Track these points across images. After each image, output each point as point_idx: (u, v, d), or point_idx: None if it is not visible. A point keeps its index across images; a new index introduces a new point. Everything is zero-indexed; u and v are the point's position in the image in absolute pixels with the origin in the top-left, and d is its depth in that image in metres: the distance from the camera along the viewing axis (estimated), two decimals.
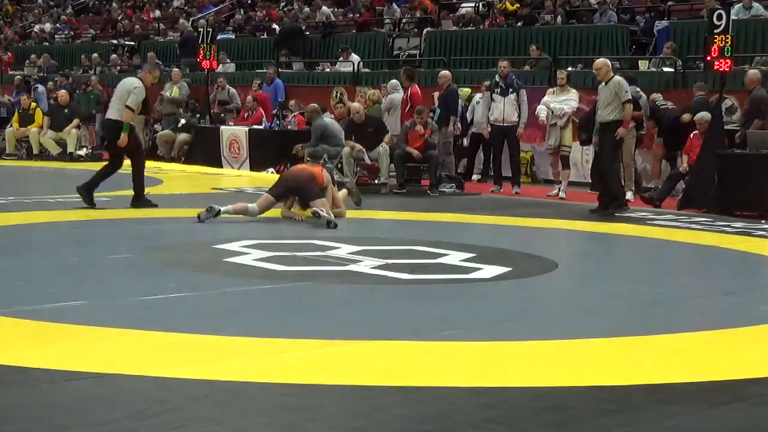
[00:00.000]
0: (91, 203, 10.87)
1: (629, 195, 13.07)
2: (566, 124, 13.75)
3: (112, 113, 11.20)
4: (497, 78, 14.21)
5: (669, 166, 14.11)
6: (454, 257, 8.08)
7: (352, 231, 9.98)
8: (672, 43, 16.31)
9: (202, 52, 18.43)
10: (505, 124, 14.06)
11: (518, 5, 20.07)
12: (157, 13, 29.43)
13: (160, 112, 19.64)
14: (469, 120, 15.93)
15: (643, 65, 16.92)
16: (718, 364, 4.99)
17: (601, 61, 12.02)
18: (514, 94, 13.95)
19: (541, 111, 13.89)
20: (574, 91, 14.13)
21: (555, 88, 14.18)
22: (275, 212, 10.42)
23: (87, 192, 10.90)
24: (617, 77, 11.75)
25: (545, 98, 14.06)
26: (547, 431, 3.88)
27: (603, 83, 11.78)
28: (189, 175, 16.31)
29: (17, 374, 4.38)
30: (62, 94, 19.63)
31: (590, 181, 14.47)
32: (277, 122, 16.90)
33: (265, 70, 20.43)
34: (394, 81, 15.95)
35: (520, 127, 14.03)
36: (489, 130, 14.40)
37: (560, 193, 13.67)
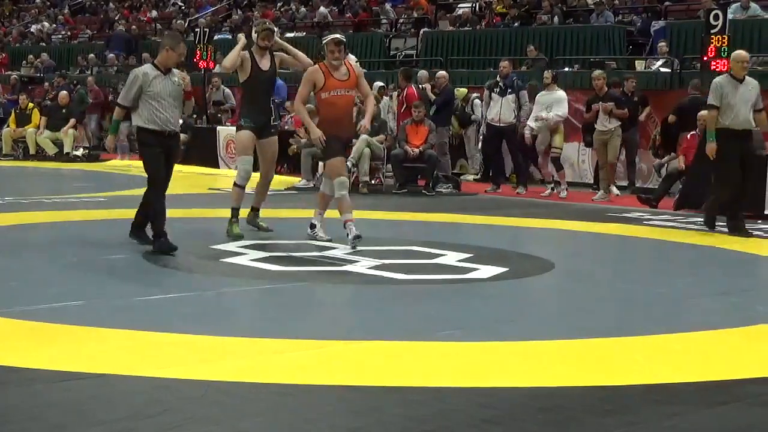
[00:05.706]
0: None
1: (614, 190, 13.53)
2: (556, 126, 13.66)
3: None
4: (498, 77, 14.20)
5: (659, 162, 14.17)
6: (451, 257, 8.07)
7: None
8: (665, 40, 16.31)
9: (198, 52, 18.43)
10: (501, 125, 14.01)
11: (507, 7, 20.05)
12: (154, 13, 29.41)
13: None
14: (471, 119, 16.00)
15: (639, 65, 16.93)
16: (716, 364, 4.98)
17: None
18: (513, 95, 13.91)
19: (526, 130, 13.73)
20: (561, 91, 13.86)
21: (544, 90, 14.05)
22: (276, 213, 10.39)
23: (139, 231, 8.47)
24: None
25: (532, 116, 13.71)
26: (546, 431, 3.88)
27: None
28: (186, 176, 16.18)
29: (15, 374, 4.38)
30: (63, 95, 19.68)
31: (591, 181, 14.67)
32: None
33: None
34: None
35: (526, 130, 13.70)
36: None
37: (561, 192, 13.66)
